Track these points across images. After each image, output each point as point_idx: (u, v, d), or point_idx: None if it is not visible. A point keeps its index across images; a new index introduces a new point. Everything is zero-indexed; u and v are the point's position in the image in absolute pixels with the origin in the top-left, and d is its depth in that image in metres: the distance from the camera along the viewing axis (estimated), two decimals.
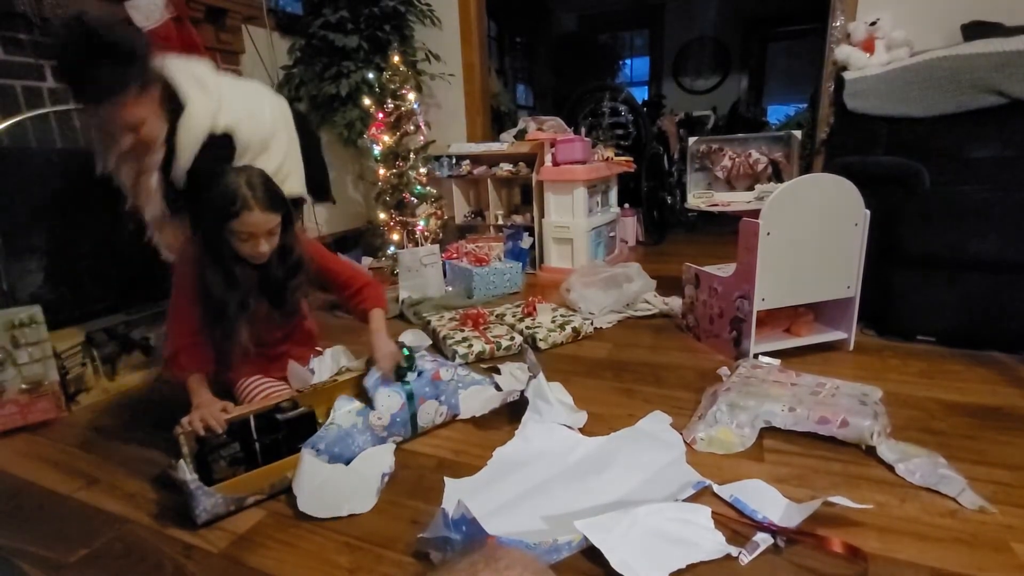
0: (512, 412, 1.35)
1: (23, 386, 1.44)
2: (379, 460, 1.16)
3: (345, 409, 1.18)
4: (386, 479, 1.11)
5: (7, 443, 1.39)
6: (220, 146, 1.40)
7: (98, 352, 1.64)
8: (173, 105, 1.33)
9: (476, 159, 3.10)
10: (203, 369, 1.25)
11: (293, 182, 1.62)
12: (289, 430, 1.16)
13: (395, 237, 2.65)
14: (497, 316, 2.06)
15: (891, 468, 1.09)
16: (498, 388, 1.43)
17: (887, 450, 1.12)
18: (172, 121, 1.33)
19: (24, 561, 0.96)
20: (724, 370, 1.49)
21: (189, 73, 1.37)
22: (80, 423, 1.48)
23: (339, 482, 1.08)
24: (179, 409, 1.15)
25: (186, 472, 1.00)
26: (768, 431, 1.22)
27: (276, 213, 1.23)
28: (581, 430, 1.29)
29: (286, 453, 1.12)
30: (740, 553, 0.88)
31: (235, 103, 1.43)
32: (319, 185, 1.83)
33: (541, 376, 1.38)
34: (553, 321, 1.97)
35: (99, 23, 1.17)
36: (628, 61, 7.34)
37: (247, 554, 0.95)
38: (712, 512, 0.96)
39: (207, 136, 1.36)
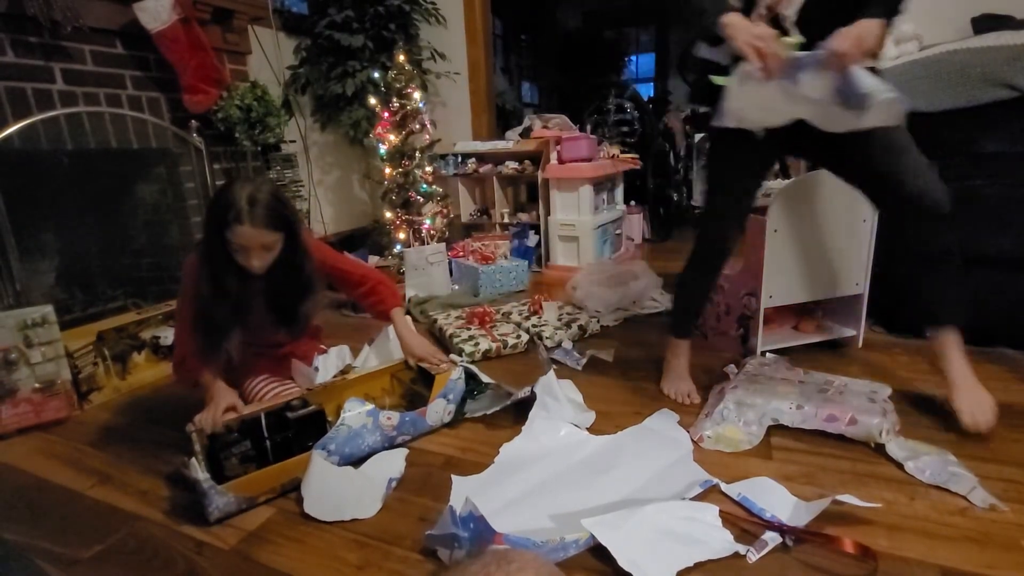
0: (518, 410, 1.35)
1: (36, 385, 1.46)
2: (389, 465, 1.17)
3: (356, 410, 1.19)
4: (393, 484, 1.12)
5: (21, 441, 1.41)
6: None
7: (109, 351, 1.65)
8: None
9: (482, 157, 3.10)
10: (211, 370, 1.25)
11: None
12: (299, 428, 1.17)
13: (401, 236, 2.66)
14: (503, 314, 2.06)
15: (900, 466, 1.08)
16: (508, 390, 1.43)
17: (896, 448, 1.11)
18: None
19: (38, 557, 0.97)
20: (731, 367, 1.48)
21: None
22: (92, 421, 1.50)
23: (345, 486, 1.08)
24: (190, 407, 1.16)
25: (198, 471, 1.01)
26: (776, 429, 1.21)
27: (273, 231, 1.18)
28: (588, 428, 1.29)
29: (297, 451, 1.13)
30: (748, 551, 0.88)
31: None
32: None
33: (551, 372, 1.38)
34: (560, 319, 1.97)
35: None
36: (634, 57, 7.31)
37: (257, 550, 0.96)
38: (720, 510, 0.96)
39: None
